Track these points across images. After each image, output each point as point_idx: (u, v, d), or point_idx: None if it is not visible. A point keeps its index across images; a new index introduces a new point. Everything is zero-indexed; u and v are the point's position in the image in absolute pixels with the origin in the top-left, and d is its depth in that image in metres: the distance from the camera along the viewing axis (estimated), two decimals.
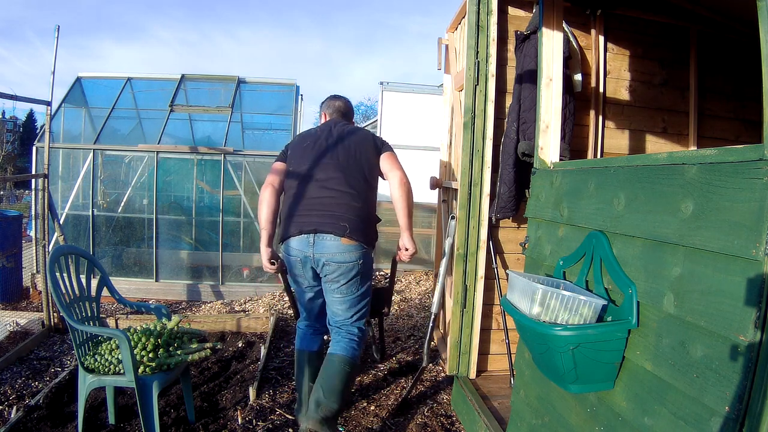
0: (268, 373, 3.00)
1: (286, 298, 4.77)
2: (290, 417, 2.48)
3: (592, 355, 1.26)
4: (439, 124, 3.76)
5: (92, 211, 4.93)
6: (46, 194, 3.56)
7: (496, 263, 2.68)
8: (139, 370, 2.04)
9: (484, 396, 2.47)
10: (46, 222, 3.61)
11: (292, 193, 2.37)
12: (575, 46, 2.61)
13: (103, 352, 2.10)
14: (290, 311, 4.40)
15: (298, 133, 3.21)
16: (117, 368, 2.04)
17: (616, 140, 2.76)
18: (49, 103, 3.52)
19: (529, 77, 2.36)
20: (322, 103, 2.75)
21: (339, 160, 2.37)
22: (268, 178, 2.44)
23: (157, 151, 5.00)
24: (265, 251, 2.36)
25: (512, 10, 2.67)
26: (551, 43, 1.90)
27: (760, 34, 0.91)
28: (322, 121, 2.70)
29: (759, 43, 0.92)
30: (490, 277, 2.68)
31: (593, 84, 2.70)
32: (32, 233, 4.57)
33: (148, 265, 5.00)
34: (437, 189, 3.27)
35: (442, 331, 3.41)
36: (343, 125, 2.55)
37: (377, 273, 4.29)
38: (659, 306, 1.14)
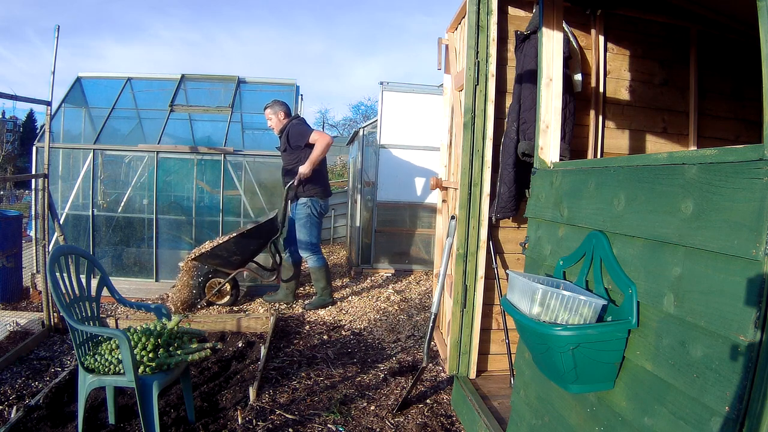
0: (268, 373, 3.00)
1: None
2: (290, 417, 2.48)
3: (592, 355, 1.26)
4: (439, 124, 3.76)
5: (92, 211, 4.92)
6: (46, 194, 3.56)
7: (496, 263, 2.68)
8: (139, 370, 2.04)
9: (484, 396, 2.47)
10: (46, 222, 3.61)
11: (320, 170, 4.36)
12: (575, 46, 2.61)
13: (103, 352, 2.10)
14: (290, 311, 4.40)
15: (298, 119, 4.49)
16: (117, 368, 2.04)
17: (616, 140, 2.76)
18: (49, 103, 3.51)
19: (529, 77, 2.37)
20: (281, 104, 4.46)
21: None
22: (325, 134, 4.35)
23: (157, 151, 5.00)
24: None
25: (512, 10, 2.67)
26: (551, 43, 1.90)
27: (760, 34, 0.91)
28: (283, 119, 4.44)
29: (759, 43, 0.92)
30: (490, 277, 2.68)
31: (593, 84, 2.70)
32: (32, 233, 4.56)
33: (148, 265, 5.00)
34: (437, 189, 3.27)
35: (442, 331, 3.41)
36: None
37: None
38: (659, 306, 1.14)
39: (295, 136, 4.31)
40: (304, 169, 4.20)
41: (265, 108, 4.51)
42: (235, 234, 4.29)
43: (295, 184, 4.25)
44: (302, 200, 4.34)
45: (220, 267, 4.39)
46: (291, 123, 4.39)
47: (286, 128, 4.39)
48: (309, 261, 4.41)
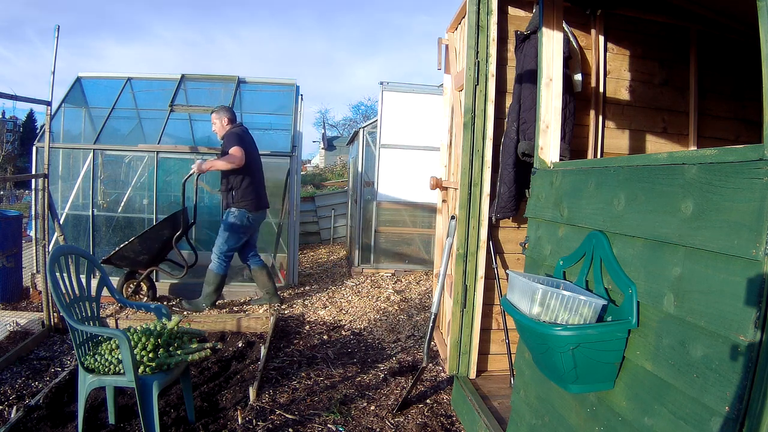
0: (268, 373, 3.00)
1: (286, 297, 4.77)
2: (290, 417, 2.48)
3: (592, 355, 1.26)
4: (439, 124, 3.76)
5: (92, 211, 4.92)
6: (46, 194, 3.56)
7: (496, 263, 2.68)
8: (139, 370, 2.04)
9: (484, 396, 2.47)
10: (46, 222, 3.61)
11: (255, 181, 4.33)
12: (575, 46, 2.61)
13: (103, 352, 2.10)
14: (288, 311, 4.40)
15: (239, 128, 4.43)
16: (117, 368, 2.04)
17: (616, 140, 2.76)
18: (49, 103, 3.51)
19: (529, 77, 2.36)
20: (227, 110, 4.44)
21: (260, 158, 4.53)
22: (241, 152, 4.12)
23: (157, 151, 5.00)
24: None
25: (512, 10, 2.67)
26: (551, 43, 1.90)
27: (760, 34, 0.91)
28: (226, 125, 4.40)
29: (759, 43, 0.92)
30: (490, 277, 2.68)
31: (593, 84, 2.70)
32: (32, 233, 4.56)
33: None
34: (437, 189, 3.27)
35: (442, 331, 3.41)
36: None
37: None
38: (659, 306, 1.14)
39: (226, 145, 4.25)
40: (199, 165, 4.12)
41: (212, 112, 4.48)
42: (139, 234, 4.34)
43: (193, 173, 4.19)
44: (233, 209, 4.25)
45: (131, 267, 4.39)
46: (230, 130, 4.33)
47: (226, 134, 4.34)
48: (212, 263, 4.28)
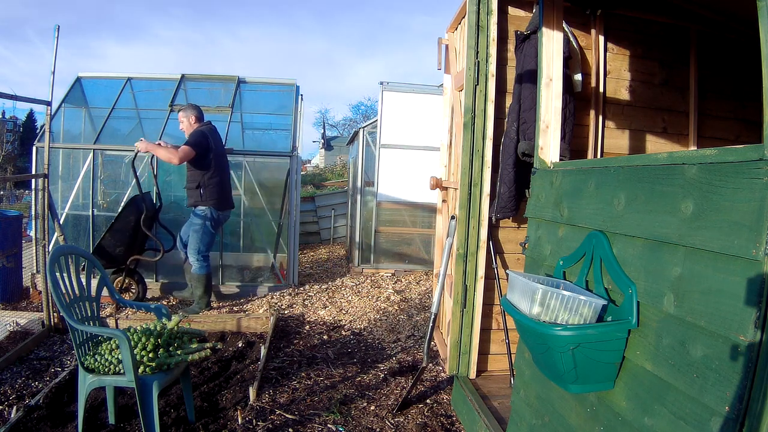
0: (268, 373, 3.00)
1: (286, 298, 4.78)
2: (290, 417, 2.48)
3: (592, 355, 1.26)
4: (439, 124, 3.76)
5: (92, 211, 4.92)
6: (46, 194, 3.56)
7: (496, 263, 2.68)
8: (139, 370, 2.04)
9: (484, 396, 2.47)
10: (46, 222, 3.61)
11: (222, 180, 4.35)
12: (575, 46, 2.61)
13: (103, 352, 2.10)
14: (288, 311, 4.40)
15: (207, 126, 4.38)
16: (117, 368, 2.04)
17: (616, 140, 2.76)
18: (49, 103, 3.51)
19: (529, 77, 2.37)
20: (194, 108, 4.38)
21: (227, 157, 4.58)
22: (186, 153, 4.08)
23: None
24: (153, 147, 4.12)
25: (512, 10, 2.67)
26: (551, 43, 1.90)
27: (760, 34, 0.91)
28: (194, 123, 4.33)
29: (759, 43, 0.92)
30: (490, 277, 2.68)
31: (593, 84, 2.70)
32: (32, 233, 4.56)
33: (148, 265, 5.00)
34: (437, 189, 3.27)
35: (442, 331, 3.41)
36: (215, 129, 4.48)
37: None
38: (659, 306, 1.14)
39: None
40: (140, 142, 4.14)
41: (179, 111, 4.45)
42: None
43: (138, 151, 4.20)
44: (201, 207, 4.22)
45: (115, 263, 4.37)
46: (197, 128, 4.28)
47: (193, 132, 4.28)
48: (193, 266, 4.27)
